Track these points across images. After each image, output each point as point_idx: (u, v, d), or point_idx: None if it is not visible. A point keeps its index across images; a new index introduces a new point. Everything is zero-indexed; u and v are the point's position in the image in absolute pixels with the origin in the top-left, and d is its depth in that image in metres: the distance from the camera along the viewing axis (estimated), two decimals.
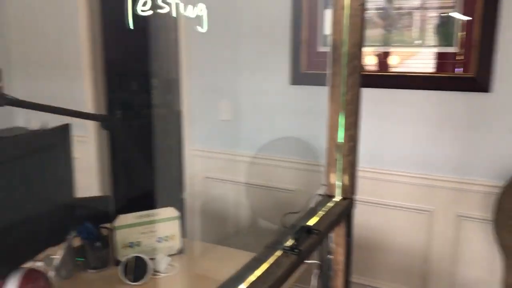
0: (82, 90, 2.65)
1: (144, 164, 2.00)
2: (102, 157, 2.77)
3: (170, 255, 1.46)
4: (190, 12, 0.75)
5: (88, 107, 2.68)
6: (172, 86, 2.51)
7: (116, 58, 2.85)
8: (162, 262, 1.39)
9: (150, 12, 0.61)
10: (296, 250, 0.87)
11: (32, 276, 1.13)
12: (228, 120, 2.28)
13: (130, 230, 1.47)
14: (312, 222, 1.04)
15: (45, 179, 1.29)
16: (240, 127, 2.26)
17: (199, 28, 0.82)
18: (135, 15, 0.69)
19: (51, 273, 1.26)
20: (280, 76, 2.12)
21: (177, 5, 0.69)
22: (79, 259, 1.42)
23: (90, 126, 2.68)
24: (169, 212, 1.51)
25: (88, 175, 2.73)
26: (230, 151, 2.28)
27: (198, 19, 0.77)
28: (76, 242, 1.41)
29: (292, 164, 2.14)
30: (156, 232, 1.49)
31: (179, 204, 2.05)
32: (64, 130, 1.34)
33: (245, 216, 2.29)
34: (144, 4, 0.61)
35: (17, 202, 1.19)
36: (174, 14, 0.68)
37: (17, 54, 2.87)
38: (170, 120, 2.59)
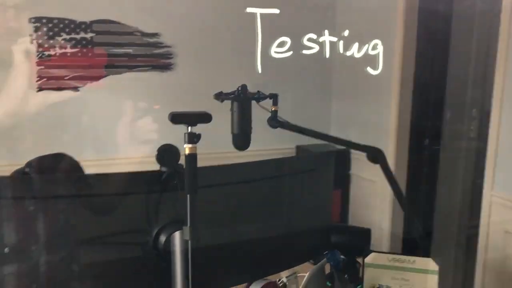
0: (389, 116, 2.66)
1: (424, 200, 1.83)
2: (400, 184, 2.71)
3: None
4: (355, 51, 0.62)
5: (392, 134, 2.66)
6: (482, 120, 2.21)
7: (427, 85, 2.72)
8: None
9: (288, 54, 0.54)
10: None
11: None
12: None
13: (381, 271, 1.37)
14: None
15: (306, 199, 1.35)
16: None
17: (370, 70, 0.68)
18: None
19: None
20: None
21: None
22: (328, 284, 1.43)
23: (391, 153, 2.67)
24: (427, 263, 1.33)
25: (382, 200, 2.72)
26: None
27: (368, 59, 0.63)
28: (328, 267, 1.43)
29: None
30: (409, 281, 1.34)
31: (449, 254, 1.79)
32: (329, 157, 1.37)
33: None
34: (281, 45, 0.54)
35: (278, 215, 1.30)
36: (327, 54, 0.58)
37: (337, 81, 3.14)
38: (472, 157, 2.29)
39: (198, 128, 1.00)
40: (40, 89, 2.57)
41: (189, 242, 0.95)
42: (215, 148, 1.86)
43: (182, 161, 1.03)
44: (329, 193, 1.39)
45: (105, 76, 2.68)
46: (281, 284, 1.29)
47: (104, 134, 2.64)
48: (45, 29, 2.51)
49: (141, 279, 1.08)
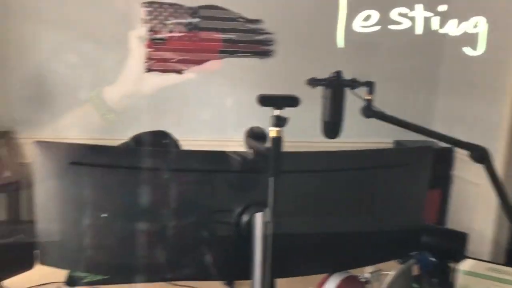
0: (498, 114, 2.42)
1: None
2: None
3: None
4: (453, 29, 0.54)
5: (503, 133, 2.43)
6: None
7: None
8: None
9: (375, 29, 0.48)
10: None
11: (351, 283, 1.17)
12: None
13: (475, 279, 1.26)
14: None
15: (398, 195, 1.28)
16: None
17: (467, 50, 0.59)
18: None
19: None
20: None
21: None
22: (415, 286, 1.35)
23: (500, 154, 2.43)
24: None
25: (486, 205, 2.51)
26: None
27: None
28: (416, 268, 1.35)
29: None
30: None
31: None
32: (426, 152, 1.29)
33: None
34: (367, 18, 0.49)
35: (365, 208, 1.25)
36: (419, 31, 0.52)
37: (445, 73, 2.93)
38: None
39: (288, 113, 0.99)
40: (148, 70, 2.74)
41: (269, 224, 0.95)
42: (305, 137, 1.84)
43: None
44: (424, 191, 1.30)
45: (208, 60, 2.78)
46: (363, 279, 1.25)
47: (204, 116, 2.76)
48: (155, 13, 2.66)
49: (223, 256, 1.11)
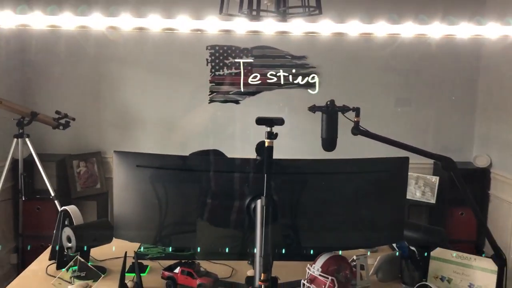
0: None
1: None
2: None
3: None
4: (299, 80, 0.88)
5: None
6: None
7: None
8: None
9: (258, 82, 0.82)
10: None
11: (338, 261, 1.51)
12: None
13: (444, 264, 1.55)
14: None
15: (382, 196, 1.60)
16: None
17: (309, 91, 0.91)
18: None
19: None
20: None
21: (284, 77, 0.87)
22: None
23: None
24: (486, 263, 1.48)
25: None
26: None
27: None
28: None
29: None
30: (469, 277, 1.50)
31: None
32: (404, 161, 1.61)
33: None
34: (254, 77, 0.83)
35: (354, 205, 1.59)
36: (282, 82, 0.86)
37: (483, 97, 3.15)
38: None
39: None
40: (211, 101, 3.27)
41: (265, 207, 1.35)
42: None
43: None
44: (403, 193, 1.62)
45: (260, 92, 3.25)
46: (351, 260, 1.58)
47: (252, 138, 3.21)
48: (217, 54, 3.20)
49: (237, 231, 1.54)
